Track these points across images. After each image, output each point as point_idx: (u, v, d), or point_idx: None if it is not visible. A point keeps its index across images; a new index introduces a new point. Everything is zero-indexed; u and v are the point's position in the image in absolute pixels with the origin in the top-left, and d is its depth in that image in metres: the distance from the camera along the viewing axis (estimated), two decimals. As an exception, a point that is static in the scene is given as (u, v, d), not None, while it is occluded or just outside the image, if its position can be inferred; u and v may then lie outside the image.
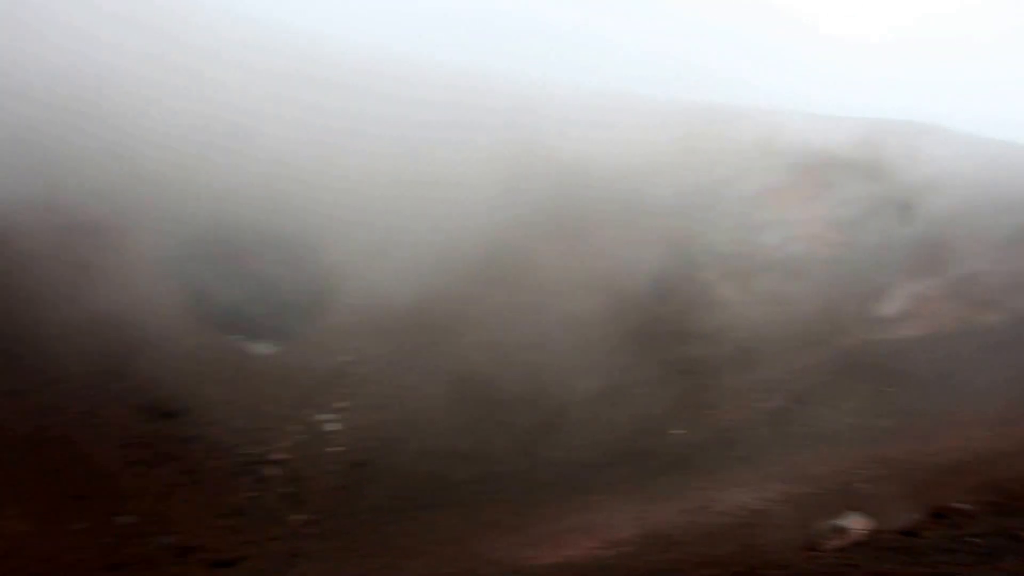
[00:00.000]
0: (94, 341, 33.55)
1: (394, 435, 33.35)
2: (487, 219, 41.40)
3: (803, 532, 19.02)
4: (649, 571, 19.37)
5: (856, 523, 18.24)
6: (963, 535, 15.81)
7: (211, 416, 33.24)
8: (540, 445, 32.52)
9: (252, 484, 30.84)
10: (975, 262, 39.08)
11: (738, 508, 24.45)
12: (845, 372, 34.95)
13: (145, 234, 39.02)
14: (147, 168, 40.11)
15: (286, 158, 42.52)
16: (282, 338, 38.92)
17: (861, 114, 51.27)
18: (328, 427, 34.07)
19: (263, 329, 38.98)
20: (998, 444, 25.29)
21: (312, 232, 42.07)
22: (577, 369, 35.83)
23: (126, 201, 39.14)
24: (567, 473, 30.49)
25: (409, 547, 25.67)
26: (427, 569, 23.25)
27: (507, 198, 42.44)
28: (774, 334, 37.65)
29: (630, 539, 23.22)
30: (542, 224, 41.97)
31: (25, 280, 34.98)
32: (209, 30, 47.50)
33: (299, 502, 30.28)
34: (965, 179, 41.44)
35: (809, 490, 24.86)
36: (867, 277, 40.55)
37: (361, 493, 30.66)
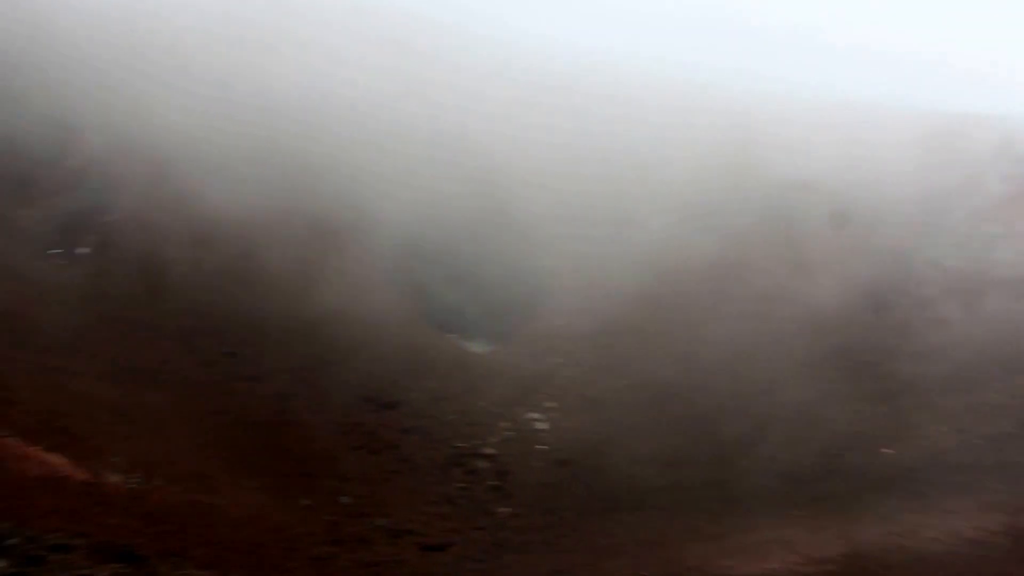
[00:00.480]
0: (326, 333, 37.25)
1: (599, 437, 34.29)
2: (699, 227, 42.02)
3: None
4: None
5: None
6: None
7: (427, 409, 35.81)
8: (741, 456, 32.25)
9: (462, 475, 32.70)
10: None
11: (952, 536, 23.63)
12: (1079, 400, 32.75)
13: (374, 236, 42.59)
14: (376, 173, 43.62)
15: (505, 161, 44.81)
16: (496, 338, 41.29)
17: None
18: (536, 426, 35.55)
19: (479, 329, 41.66)
20: None
21: (528, 235, 44.18)
22: (783, 382, 35.47)
23: (358, 205, 42.79)
24: (768, 486, 30.04)
25: (609, 546, 26.44)
26: (626, 570, 23.77)
27: (720, 205, 42.82)
28: (998, 356, 35.34)
29: (834, 558, 22.87)
30: (755, 233, 41.70)
31: (268, 276, 39.35)
32: (432, 35, 50.53)
33: (505, 495, 31.72)
34: None
35: (1034, 525, 23.53)
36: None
37: (565, 491, 31.67)
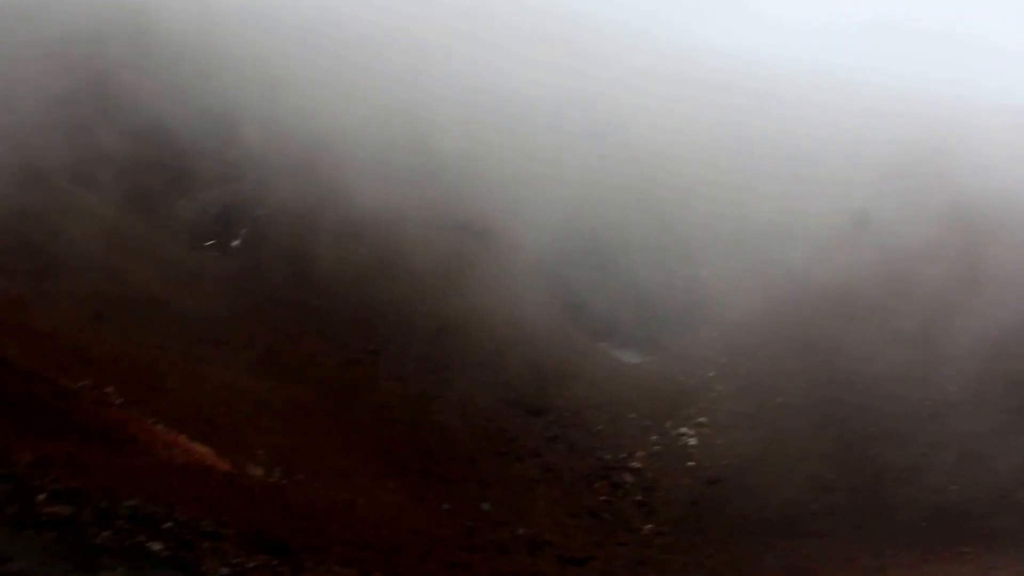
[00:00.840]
0: (473, 335, 37.37)
1: (752, 456, 33.39)
2: (868, 239, 40.58)
3: None
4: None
5: None
6: None
7: (574, 418, 35.63)
8: (904, 485, 30.79)
9: (607, 488, 32.41)
10: None
11: None
12: None
13: (526, 237, 42.60)
14: (532, 172, 43.65)
15: (666, 166, 44.26)
16: (649, 348, 40.81)
17: None
18: (686, 441, 34.92)
19: (631, 338, 41.27)
20: None
21: (685, 244, 43.58)
22: (954, 408, 33.55)
23: (511, 204, 42.86)
24: (935, 517, 28.66)
25: (757, 573, 25.77)
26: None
27: (892, 216, 41.23)
28: None
29: (1007, 601, 21.73)
30: (929, 247, 40.08)
31: (416, 274, 39.72)
32: (594, 32, 50.44)
33: (651, 511, 31.29)
34: None
35: None
36: None
37: (713, 510, 30.98)
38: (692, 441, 34.95)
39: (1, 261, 31.43)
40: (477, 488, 30.50)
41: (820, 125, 45.23)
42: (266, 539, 11.05)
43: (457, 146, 44.35)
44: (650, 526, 30.27)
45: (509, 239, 42.32)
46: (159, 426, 23.62)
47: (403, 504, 27.22)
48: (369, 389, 34.53)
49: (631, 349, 40.79)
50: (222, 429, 26.08)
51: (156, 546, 8.53)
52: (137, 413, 24.03)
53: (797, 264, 41.26)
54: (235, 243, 41.92)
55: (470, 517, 28.10)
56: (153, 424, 23.58)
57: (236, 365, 32.41)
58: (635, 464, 33.68)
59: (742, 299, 41.21)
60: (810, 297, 39.70)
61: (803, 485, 31.20)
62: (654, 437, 35.20)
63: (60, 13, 42.64)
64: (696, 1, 55.62)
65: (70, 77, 40.51)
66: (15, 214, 34.50)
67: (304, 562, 11.38)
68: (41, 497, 9.07)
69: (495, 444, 33.45)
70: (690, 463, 33.83)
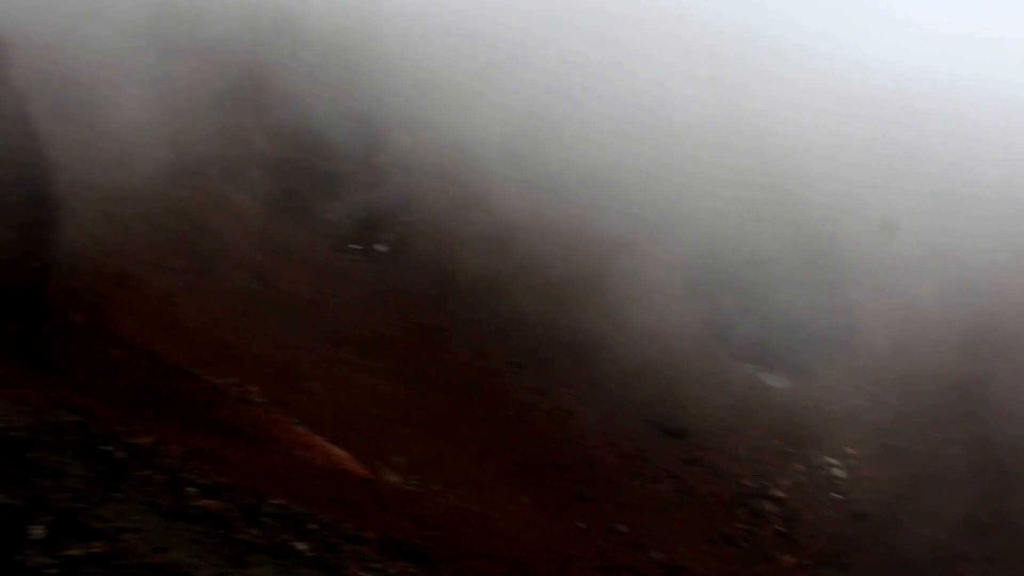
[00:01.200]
0: (614, 351, 37.25)
1: (902, 492, 32.80)
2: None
3: None
4: None
5: None
6: None
7: (715, 441, 35.27)
8: None
9: (747, 516, 32.05)
10: None
11: None
12: None
13: (671, 253, 42.31)
14: (679, 185, 43.34)
15: (818, 184, 43.52)
16: (796, 373, 40.12)
17: None
18: (832, 472, 34.42)
19: (778, 362, 40.59)
20: None
21: (837, 265, 42.64)
22: None
23: (657, 218, 42.65)
24: None
25: None
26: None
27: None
28: None
29: None
30: None
31: (559, 287, 39.84)
32: (746, 45, 49.94)
33: (792, 544, 30.91)
34: None
35: None
36: None
37: (859, 547, 30.52)
38: (838, 472, 34.41)
39: (154, 257, 32.54)
40: (613, 508, 30.37)
41: (979, 144, 43.85)
42: (408, 546, 11.24)
43: (604, 157, 44.37)
44: (790, 558, 29.95)
45: (654, 254, 42.13)
46: (299, 427, 24.28)
47: (537, 520, 27.29)
48: (508, 401, 34.78)
49: (777, 373, 40.21)
50: (360, 433, 26.59)
51: (301, 546, 8.79)
52: (278, 413, 24.78)
53: (951, 291, 40.15)
54: (380, 248, 42.74)
55: (605, 537, 28.12)
56: (293, 424, 24.25)
57: (377, 370, 33.01)
58: (777, 493, 33.22)
59: (894, 326, 40.29)
60: (964, 326, 38.60)
61: (957, 526, 30.39)
62: (798, 466, 34.70)
63: (217, 15, 44.09)
64: (856, 16, 54.59)
65: (224, 77, 41.85)
66: (168, 211, 35.83)
67: (442, 572, 11.53)
68: (192, 490, 9.44)
69: (633, 464, 33.29)
70: (835, 495, 33.38)
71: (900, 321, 40.19)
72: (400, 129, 46.55)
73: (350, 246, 42.25)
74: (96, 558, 6.10)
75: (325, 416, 26.43)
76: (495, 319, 38.73)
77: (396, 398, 31.31)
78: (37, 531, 5.97)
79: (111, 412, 14.40)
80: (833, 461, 34.85)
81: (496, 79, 48.01)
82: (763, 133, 46.41)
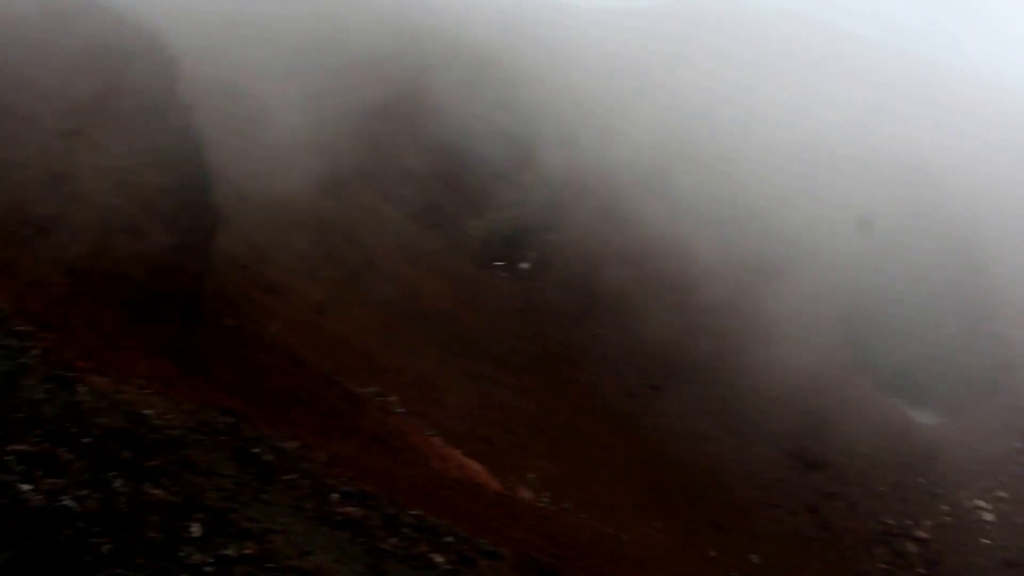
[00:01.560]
0: (757, 379, 36.67)
1: (1058, 543, 31.41)
2: None
3: None
4: None
5: None
6: None
7: (856, 476, 34.38)
8: None
9: (887, 556, 31.18)
10: None
11: None
12: None
13: (818, 282, 41.44)
14: (830, 217, 42.54)
15: (980, 211, 42.23)
16: (944, 409, 38.83)
17: None
18: (981, 516, 33.15)
19: (925, 396, 39.35)
20: None
21: (993, 301, 41.23)
22: None
23: (805, 248, 41.86)
24: None
25: None
26: None
27: None
28: None
29: None
30: None
31: (702, 311, 39.42)
32: (902, 68, 48.79)
33: (935, 587, 29.87)
34: None
35: None
36: None
37: None
38: (988, 516, 33.14)
39: (304, 266, 33.44)
40: (747, 538, 29.87)
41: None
42: (540, 565, 11.31)
43: (747, 182, 43.95)
44: (933, 604, 28.71)
45: (800, 282, 41.35)
46: (436, 438, 24.64)
47: (668, 545, 26.98)
48: (644, 424, 34.59)
49: (925, 408, 39.04)
50: (496, 448, 26.82)
51: (438, 559, 8.97)
52: (417, 423, 25.18)
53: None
54: (524, 265, 43.07)
55: (737, 568, 27.64)
56: (431, 436, 24.62)
57: (514, 386, 33.24)
58: (920, 533, 32.21)
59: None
60: None
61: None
62: (944, 507, 33.57)
63: (377, 36, 45.13)
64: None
65: (381, 94, 42.81)
66: (320, 221, 36.78)
67: (573, 593, 11.60)
68: (335, 496, 9.72)
69: (770, 494, 32.74)
70: (984, 540, 32.16)
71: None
72: (547, 147, 46.81)
73: (494, 263, 42.66)
74: (248, 559, 6.35)
75: (461, 429, 26.75)
76: (634, 340, 38.55)
77: (532, 415, 31.47)
78: (195, 529, 6.23)
79: (259, 414, 14.91)
80: (982, 504, 33.56)
81: (640, 101, 48.02)
82: (921, 163, 45.21)
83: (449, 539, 10.18)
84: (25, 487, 5.45)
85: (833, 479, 34.07)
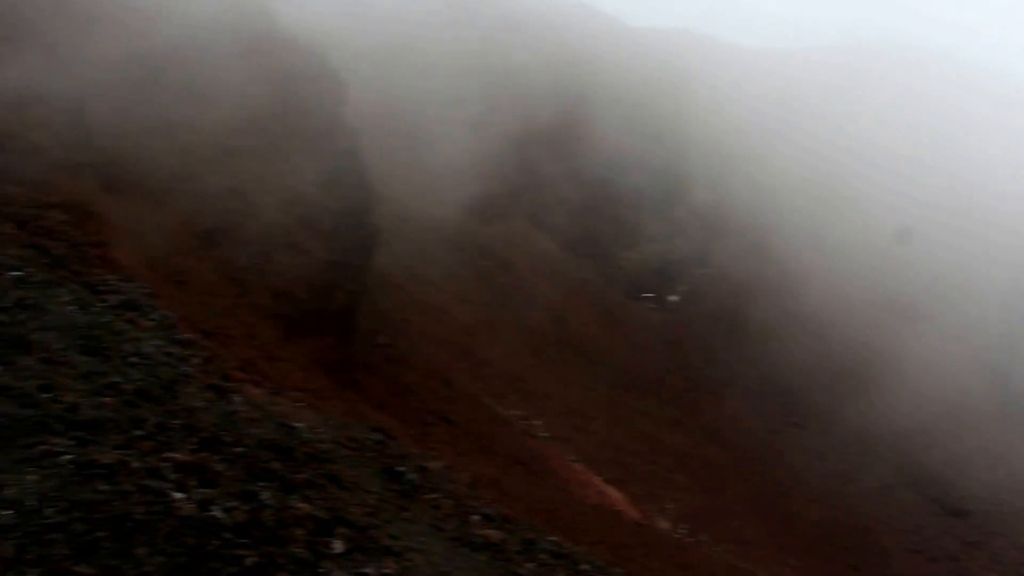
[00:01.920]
0: (898, 422, 35.42)
1: None
2: None
3: None
4: None
5: None
6: None
7: (1000, 526, 32.95)
8: None
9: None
10: None
11: None
12: None
13: (960, 321, 40.06)
14: (973, 254, 41.23)
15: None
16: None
17: None
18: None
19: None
20: None
21: None
22: None
23: (948, 287, 40.48)
24: None
25: None
26: None
27: None
28: None
29: None
30: None
31: (839, 350, 38.29)
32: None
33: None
34: None
35: None
36: None
37: None
38: None
39: (457, 288, 33.77)
40: (880, 582, 28.89)
41: None
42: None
43: (898, 220, 42.64)
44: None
45: (944, 323, 39.92)
46: (577, 464, 24.52)
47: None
48: (785, 461, 33.84)
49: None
50: (637, 478, 26.55)
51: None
52: (559, 449, 25.11)
53: None
54: (673, 298, 42.69)
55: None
56: (572, 462, 24.50)
57: (658, 417, 32.99)
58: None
59: None
60: None
61: None
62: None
63: (538, 70, 45.44)
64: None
65: (538, 126, 43.02)
66: (475, 246, 37.14)
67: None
68: (475, 518, 9.65)
69: (910, 539, 31.60)
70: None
71: None
72: (700, 185, 46.45)
73: (643, 295, 42.37)
74: (387, 578, 6.29)
75: (603, 457, 26.58)
76: (779, 377, 37.76)
77: (674, 446, 31.11)
78: (337, 545, 6.21)
79: (406, 432, 15.03)
80: None
81: (790, 136, 47.22)
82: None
83: (585, 567, 10.03)
84: (178, 495, 5.50)
85: (976, 528, 32.63)
